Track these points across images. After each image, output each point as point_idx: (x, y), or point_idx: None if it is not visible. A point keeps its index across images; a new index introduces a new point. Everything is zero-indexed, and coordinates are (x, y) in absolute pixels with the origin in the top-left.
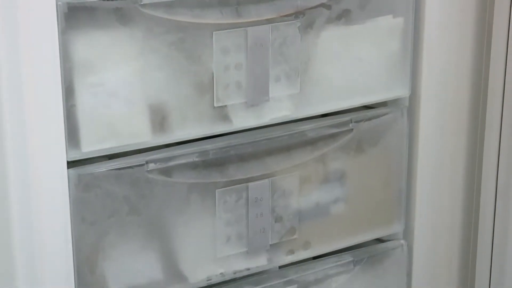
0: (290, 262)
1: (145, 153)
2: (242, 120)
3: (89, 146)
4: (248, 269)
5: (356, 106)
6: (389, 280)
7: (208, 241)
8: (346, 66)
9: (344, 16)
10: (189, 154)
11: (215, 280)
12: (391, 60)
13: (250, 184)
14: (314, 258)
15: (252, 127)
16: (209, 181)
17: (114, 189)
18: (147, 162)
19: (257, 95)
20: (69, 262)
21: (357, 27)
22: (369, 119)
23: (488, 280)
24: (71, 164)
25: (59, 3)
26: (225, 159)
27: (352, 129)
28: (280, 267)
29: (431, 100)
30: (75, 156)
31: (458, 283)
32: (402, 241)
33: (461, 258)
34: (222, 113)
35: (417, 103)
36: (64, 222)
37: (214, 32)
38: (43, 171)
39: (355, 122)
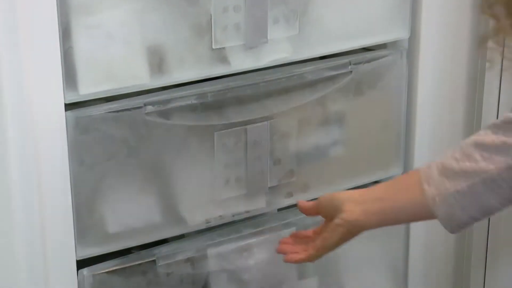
0: (289, 204)
1: (143, 95)
2: (240, 62)
3: (86, 89)
4: (247, 211)
5: (355, 48)
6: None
7: (207, 184)
8: (345, 8)
9: None
10: (187, 97)
11: (214, 223)
12: (390, 2)
13: (249, 127)
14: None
15: (250, 69)
16: (208, 124)
17: (112, 132)
18: (145, 105)
19: (256, 37)
20: (68, 205)
21: None
22: (368, 61)
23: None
24: (68, 106)
25: None
26: (224, 101)
27: (351, 71)
28: (279, 209)
29: (430, 42)
30: (73, 98)
31: None
32: None
33: None
34: (221, 55)
35: (417, 45)
36: (63, 165)
37: None
38: (41, 113)
39: (354, 64)
